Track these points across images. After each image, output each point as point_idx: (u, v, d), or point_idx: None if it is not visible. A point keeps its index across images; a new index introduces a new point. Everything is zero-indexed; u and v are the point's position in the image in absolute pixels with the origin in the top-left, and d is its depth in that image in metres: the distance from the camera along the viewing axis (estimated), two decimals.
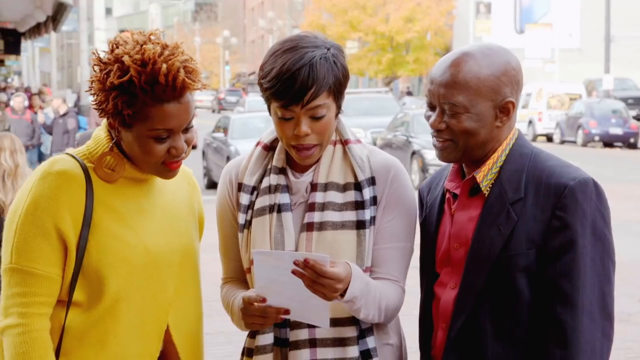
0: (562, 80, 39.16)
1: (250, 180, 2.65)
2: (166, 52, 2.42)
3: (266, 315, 2.45)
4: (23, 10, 18.84)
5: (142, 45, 2.42)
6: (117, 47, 2.44)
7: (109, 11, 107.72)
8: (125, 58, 2.39)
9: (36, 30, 20.75)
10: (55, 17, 18.56)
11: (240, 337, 2.77)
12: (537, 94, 35.06)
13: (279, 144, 2.65)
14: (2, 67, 36.43)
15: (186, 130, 2.49)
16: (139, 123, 2.43)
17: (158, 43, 2.45)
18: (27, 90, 32.83)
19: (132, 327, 2.48)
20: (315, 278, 2.34)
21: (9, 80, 42.58)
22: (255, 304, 2.44)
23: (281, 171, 2.64)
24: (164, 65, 2.38)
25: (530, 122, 34.30)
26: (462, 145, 2.50)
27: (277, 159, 2.65)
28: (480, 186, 2.52)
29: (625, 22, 44.74)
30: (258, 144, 2.71)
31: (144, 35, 2.47)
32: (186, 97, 2.45)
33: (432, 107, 2.54)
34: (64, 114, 16.69)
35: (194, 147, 33.17)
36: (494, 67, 2.48)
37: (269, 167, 2.65)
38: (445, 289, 2.55)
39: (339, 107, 2.58)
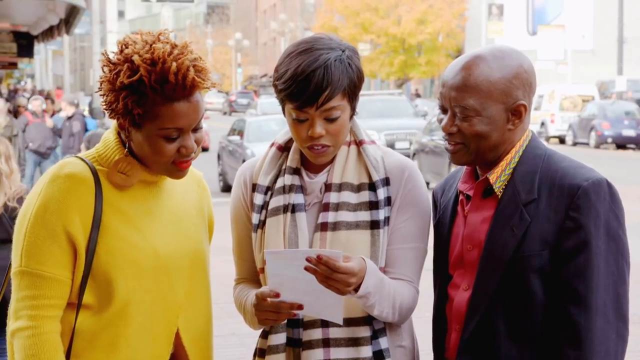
0: (575, 82, 39.07)
1: (264, 181, 2.66)
2: (175, 51, 2.42)
3: (279, 310, 2.44)
4: (36, 13, 18.90)
5: (151, 45, 2.43)
6: (127, 47, 2.45)
7: (121, 14, 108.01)
8: (135, 57, 2.40)
9: (49, 33, 20.81)
10: (68, 20, 18.61)
11: (252, 339, 2.77)
12: (550, 96, 34.98)
13: (294, 144, 2.65)
14: (15, 70, 36.58)
15: (195, 129, 2.49)
16: (149, 122, 2.43)
17: (167, 42, 2.45)
18: (41, 92, 32.92)
19: (142, 330, 2.48)
20: (329, 274, 2.35)
21: (22, 83, 42.77)
22: (269, 299, 2.44)
23: (295, 171, 2.64)
24: (174, 64, 2.39)
25: (542, 123, 34.22)
26: (473, 148, 2.50)
27: (292, 160, 2.65)
28: (494, 187, 2.51)
29: (639, 23, 44.60)
30: (272, 144, 2.72)
31: (153, 36, 2.48)
32: (196, 96, 2.45)
33: (444, 110, 2.54)
34: (71, 117, 16.71)
35: (205, 149, 32.88)
36: (506, 70, 2.47)
37: (284, 167, 2.66)
38: (458, 291, 2.54)
39: (353, 109, 2.58)
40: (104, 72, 2.47)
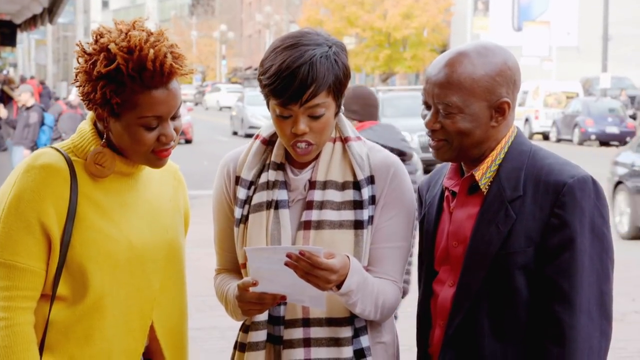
0: (559, 79, 39.19)
1: (248, 175, 2.63)
2: (152, 39, 2.42)
3: (263, 301, 2.43)
4: (19, 1, 18.76)
5: (127, 33, 2.42)
6: (102, 37, 2.44)
7: (105, 4, 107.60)
8: (112, 46, 2.38)
9: (32, 22, 20.66)
10: (52, 10, 18.49)
11: (233, 332, 2.75)
12: (534, 92, 35.08)
13: (278, 139, 2.62)
14: None
15: (174, 117, 2.48)
16: (127, 111, 2.41)
17: (143, 30, 2.44)
18: (22, 80, 32.65)
19: (116, 322, 2.46)
20: (309, 270, 2.34)
21: (5, 72, 42.54)
22: (251, 289, 2.42)
23: (280, 167, 2.61)
24: (151, 51, 2.38)
25: (526, 120, 34.31)
26: (456, 145, 2.49)
27: (276, 155, 2.62)
28: (479, 184, 2.50)
29: (623, 21, 44.77)
30: (257, 137, 2.69)
31: (128, 24, 2.46)
32: (173, 83, 2.45)
33: (427, 106, 2.53)
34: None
35: (188, 141, 32.44)
36: (489, 67, 2.46)
37: (268, 162, 2.63)
38: (443, 287, 2.54)
39: (338, 107, 2.56)
40: (79, 63, 2.45)
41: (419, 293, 2.64)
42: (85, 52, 2.44)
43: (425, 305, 2.60)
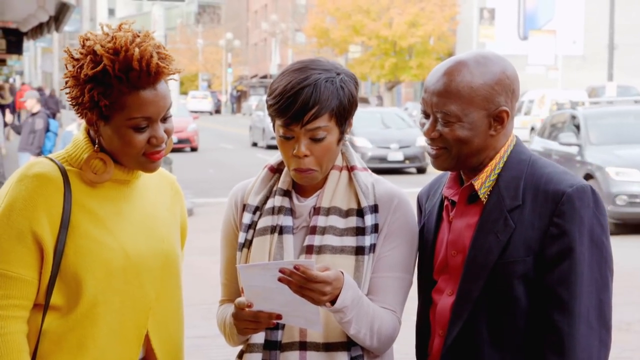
0: (565, 87, 39.15)
1: (254, 200, 2.64)
2: (138, 39, 2.42)
3: (258, 320, 2.43)
4: (26, 10, 18.81)
5: (112, 35, 2.43)
6: (88, 41, 2.44)
7: (111, 12, 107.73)
8: (97, 47, 2.39)
9: (38, 30, 20.71)
10: (58, 18, 18.53)
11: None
12: (540, 101, 35.03)
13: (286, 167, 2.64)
14: (4, 67, 36.43)
15: (165, 119, 2.48)
16: (116, 113, 2.42)
17: (129, 31, 2.45)
18: (38, 88, 32.71)
19: (111, 332, 2.45)
20: (303, 283, 2.33)
21: (11, 79, 42.60)
22: (247, 308, 2.42)
23: (286, 194, 2.62)
24: (137, 50, 2.38)
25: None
26: (455, 153, 2.50)
27: (283, 182, 2.64)
28: (478, 193, 2.51)
29: (630, 30, 44.76)
30: (265, 166, 2.71)
31: (114, 28, 2.47)
32: (161, 84, 2.45)
33: (426, 115, 2.54)
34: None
35: (194, 149, 31.94)
36: (488, 76, 2.47)
37: (275, 188, 2.64)
38: (442, 296, 2.54)
39: (342, 133, 2.56)
40: (67, 69, 2.46)
41: (418, 302, 2.65)
42: (73, 57, 2.45)
43: (425, 315, 2.60)
